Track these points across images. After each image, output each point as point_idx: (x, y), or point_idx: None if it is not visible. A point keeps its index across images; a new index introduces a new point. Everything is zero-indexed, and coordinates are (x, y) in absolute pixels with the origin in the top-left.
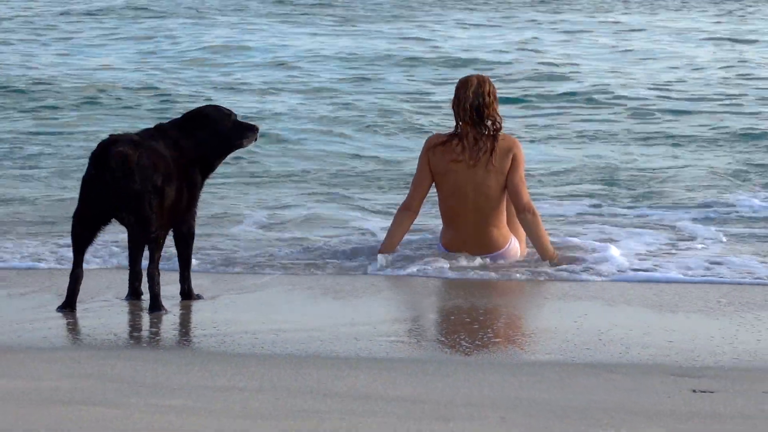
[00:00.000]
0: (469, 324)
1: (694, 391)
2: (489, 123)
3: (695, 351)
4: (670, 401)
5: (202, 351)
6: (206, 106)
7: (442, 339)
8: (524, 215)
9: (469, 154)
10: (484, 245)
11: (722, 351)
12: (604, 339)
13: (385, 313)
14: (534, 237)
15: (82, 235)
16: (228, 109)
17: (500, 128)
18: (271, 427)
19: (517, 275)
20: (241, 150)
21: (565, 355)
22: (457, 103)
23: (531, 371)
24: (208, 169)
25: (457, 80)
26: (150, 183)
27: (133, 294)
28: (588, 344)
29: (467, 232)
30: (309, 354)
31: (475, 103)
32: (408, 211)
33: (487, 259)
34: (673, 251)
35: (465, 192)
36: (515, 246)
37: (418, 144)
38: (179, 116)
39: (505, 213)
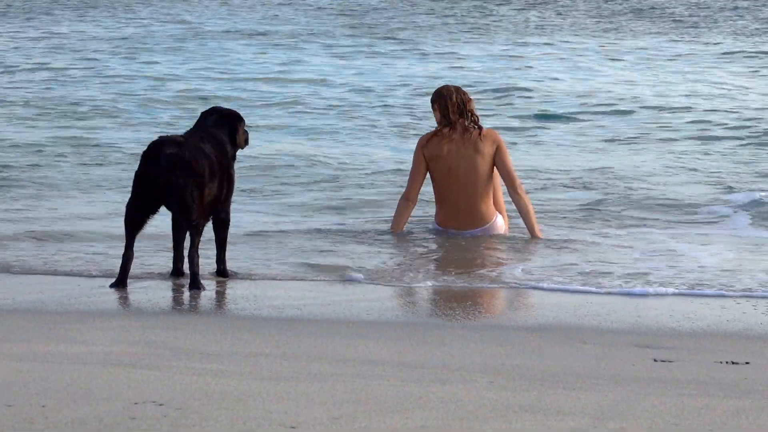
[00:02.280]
0: (463, 301)
1: (655, 360)
2: (472, 117)
3: (657, 325)
4: (633, 369)
5: (234, 322)
6: (228, 108)
7: (440, 314)
8: (516, 192)
9: (460, 135)
10: (473, 219)
11: (681, 326)
12: (578, 314)
13: (392, 292)
14: (524, 215)
15: (134, 221)
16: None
17: (478, 123)
18: (293, 388)
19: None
20: None
21: (543, 327)
22: (444, 104)
23: (515, 341)
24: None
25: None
26: (192, 178)
27: (176, 273)
28: (564, 319)
29: (458, 207)
30: (326, 325)
31: (459, 101)
32: (407, 201)
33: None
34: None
35: (457, 169)
36: (500, 222)
37: None
38: (211, 115)
39: (491, 193)
